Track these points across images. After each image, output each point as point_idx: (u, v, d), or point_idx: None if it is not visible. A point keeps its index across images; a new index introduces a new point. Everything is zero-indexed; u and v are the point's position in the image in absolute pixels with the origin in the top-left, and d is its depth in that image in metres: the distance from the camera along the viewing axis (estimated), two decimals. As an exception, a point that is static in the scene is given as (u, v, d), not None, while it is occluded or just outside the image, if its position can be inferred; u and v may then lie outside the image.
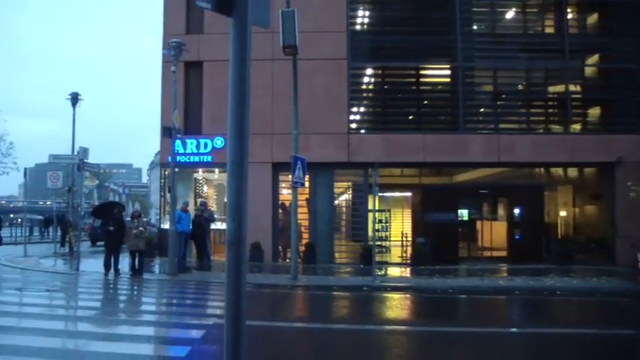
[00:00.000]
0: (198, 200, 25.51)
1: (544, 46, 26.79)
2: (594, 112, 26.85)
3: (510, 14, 27.35)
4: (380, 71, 26.85)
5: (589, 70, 27.15)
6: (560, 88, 26.12)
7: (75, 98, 25.67)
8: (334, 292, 17.17)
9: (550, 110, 27.27)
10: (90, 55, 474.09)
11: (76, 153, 24.12)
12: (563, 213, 27.21)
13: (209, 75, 24.88)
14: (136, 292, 17.81)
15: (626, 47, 25.64)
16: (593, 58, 27.19)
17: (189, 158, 24.81)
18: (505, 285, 18.34)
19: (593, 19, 27.24)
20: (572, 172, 27.31)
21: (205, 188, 30.16)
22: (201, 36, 24.88)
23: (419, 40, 25.56)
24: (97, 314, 13.06)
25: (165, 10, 25.79)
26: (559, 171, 27.51)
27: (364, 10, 27.01)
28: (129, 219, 21.57)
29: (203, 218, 21.54)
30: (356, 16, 26.46)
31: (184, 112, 24.56)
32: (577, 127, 25.98)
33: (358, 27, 26.70)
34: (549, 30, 27.35)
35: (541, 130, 26.35)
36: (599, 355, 9.94)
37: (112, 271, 19.94)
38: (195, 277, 19.70)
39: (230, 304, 4.05)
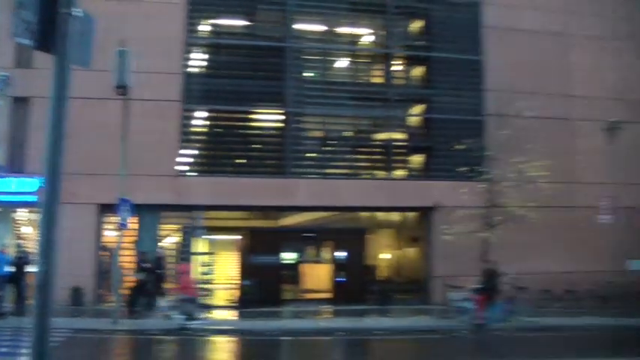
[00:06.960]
0: (17, 242, 24.21)
1: (371, 95, 28.08)
2: (416, 159, 28.16)
3: (340, 63, 28.48)
4: (212, 114, 26.78)
5: (412, 119, 28.64)
6: (384, 135, 27.33)
7: None
8: (156, 336, 16.79)
9: (375, 156, 28.26)
10: None
11: None
12: (384, 255, 28.30)
13: (37, 112, 23.35)
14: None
15: (446, 99, 27.45)
16: (416, 108, 28.72)
17: (12, 197, 23.48)
18: (326, 326, 18.79)
19: (417, 71, 28.84)
20: (395, 216, 28.55)
21: (27, 229, 28.60)
22: (30, 71, 23.62)
23: (251, 85, 25.92)
24: None
25: (-7, 42, 24.43)
26: (382, 215, 28.65)
27: (200, 53, 26.98)
28: None
29: (23, 260, 20.39)
30: (191, 59, 26.38)
31: (10, 149, 23.33)
32: (399, 173, 27.26)
33: (193, 69, 26.50)
34: (376, 80, 28.65)
35: (366, 176, 27.38)
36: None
37: None
38: (11, 322, 18.41)
39: (36, 347, 3.95)
